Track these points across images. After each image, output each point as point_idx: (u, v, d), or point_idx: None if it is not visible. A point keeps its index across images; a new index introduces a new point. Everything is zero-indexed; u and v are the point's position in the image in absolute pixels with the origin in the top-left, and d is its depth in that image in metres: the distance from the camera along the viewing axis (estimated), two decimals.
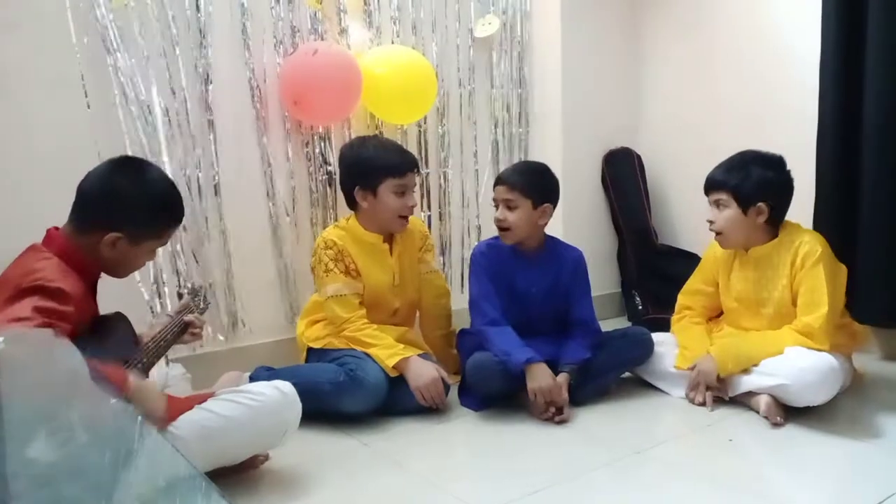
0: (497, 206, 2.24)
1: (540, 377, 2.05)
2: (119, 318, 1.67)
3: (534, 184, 2.21)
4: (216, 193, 2.41)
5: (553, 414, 2.05)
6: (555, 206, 2.26)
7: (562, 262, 2.30)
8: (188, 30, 2.31)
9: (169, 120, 2.29)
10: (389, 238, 2.33)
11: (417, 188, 2.85)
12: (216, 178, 2.40)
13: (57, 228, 1.56)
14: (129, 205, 1.56)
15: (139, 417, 0.83)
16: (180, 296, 2.24)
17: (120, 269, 1.64)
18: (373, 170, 2.22)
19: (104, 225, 1.54)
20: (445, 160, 2.98)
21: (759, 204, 2.13)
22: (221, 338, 2.45)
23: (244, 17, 2.42)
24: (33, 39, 2.08)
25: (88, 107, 2.16)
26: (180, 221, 1.71)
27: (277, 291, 2.58)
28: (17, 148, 2.07)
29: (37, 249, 1.52)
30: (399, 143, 2.63)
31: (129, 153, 2.17)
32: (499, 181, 2.25)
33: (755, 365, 2.08)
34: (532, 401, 2.06)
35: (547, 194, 2.23)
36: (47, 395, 0.87)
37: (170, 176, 1.78)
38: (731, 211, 2.16)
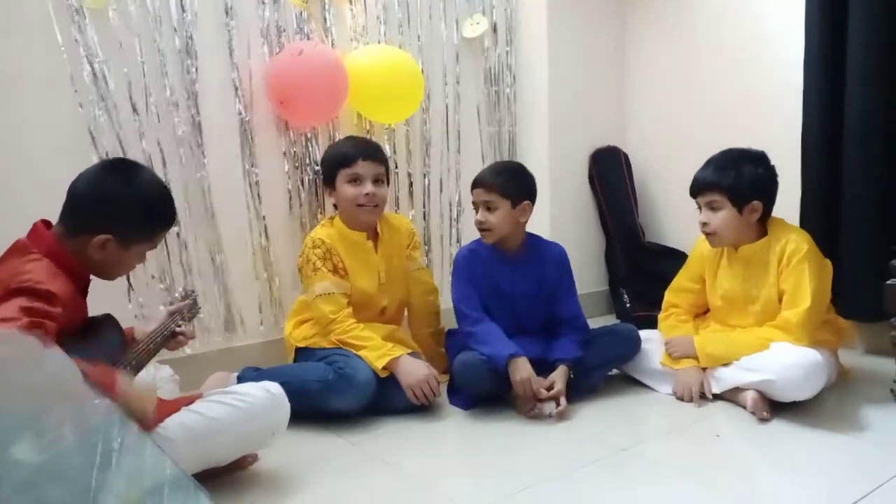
0: (477, 209, 2.24)
1: (520, 370, 2.05)
2: (108, 320, 1.65)
3: (511, 183, 2.21)
4: (204, 195, 2.40)
5: (538, 407, 2.06)
6: (533, 203, 2.27)
7: (545, 259, 2.31)
8: (174, 30, 2.30)
9: (157, 121, 2.29)
10: (374, 236, 2.33)
11: (405, 187, 2.88)
12: (204, 179, 2.40)
13: (44, 221, 1.55)
14: (119, 207, 1.55)
15: (125, 419, 0.82)
16: (175, 301, 2.23)
17: (109, 272, 1.63)
18: (328, 165, 2.30)
19: (94, 227, 1.52)
20: (432, 160, 2.98)
21: (754, 202, 2.13)
22: (217, 339, 2.44)
23: (229, 16, 2.41)
24: (22, 42, 2.07)
25: (79, 108, 2.15)
26: (171, 224, 1.70)
27: (265, 292, 2.58)
28: (7, 150, 2.06)
29: (25, 249, 1.50)
30: (382, 142, 2.64)
31: (118, 155, 2.16)
32: (476, 184, 2.25)
33: (736, 360, 2.10)
34: (519, 395, 2.06)
35: (525, 192, 2.23)
36: (32, 397, 0.87)
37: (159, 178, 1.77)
38: (726, 211, 2.15)
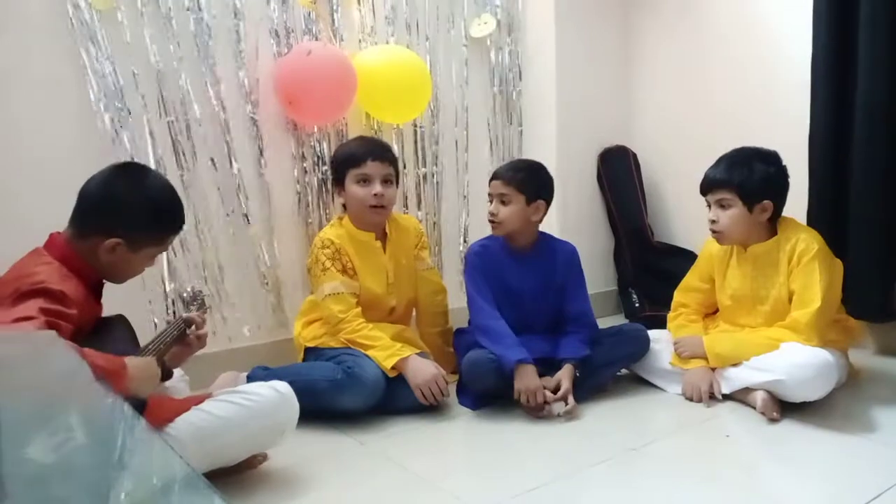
0: (491, 201, 2.25)
1: (526, 378, 2.05)
2: (120, 320, 1.67)
3: (528, 180, 2.23)
4: (212, 195, 2.41)
5: (546, 408, 2.06)
6: (549, 203, 2.28)
7: (555, 257, 2.31)
8: (182, 31, 2.31)
9: (161, 122, 2.29)
10: (383, 236, 2.34)
11: (413, 187, 2.88)
12: (212, 179, 2.40)
13: (59, 233, 1.56)
14: (128, 210, 1.56)
15: (135, 417, 0.83)
16: (183, 301, 2.24)
17: (119, 275, 1.64)
18: (338, 165, 2.31)
19: (104, 230, 1.53)
20: (440, 159, 2.98)
21: (764, 201, 2.12)
22: (227, 339, 2.45)
23: (237, 17, 2.42)
24: (26, 43, 2.08)
25: (85, 109, 2.16)
26: (181, 228, 1.70)
27: (274, 292, 2.58)
28: (9, 151, 2.07)
29: (39, 254, 1.52)
30: (391, 142, 2.64)
31: (123, 157, 2.16)
32: (495, 176, 2.27)
33: (745, 360, 2.09)
34: (522, 404, 2.06)
35: (541, 191, 2.25)
36: (43, 395, 0.87)
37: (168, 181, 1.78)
38: (736, 209, 2.14)
